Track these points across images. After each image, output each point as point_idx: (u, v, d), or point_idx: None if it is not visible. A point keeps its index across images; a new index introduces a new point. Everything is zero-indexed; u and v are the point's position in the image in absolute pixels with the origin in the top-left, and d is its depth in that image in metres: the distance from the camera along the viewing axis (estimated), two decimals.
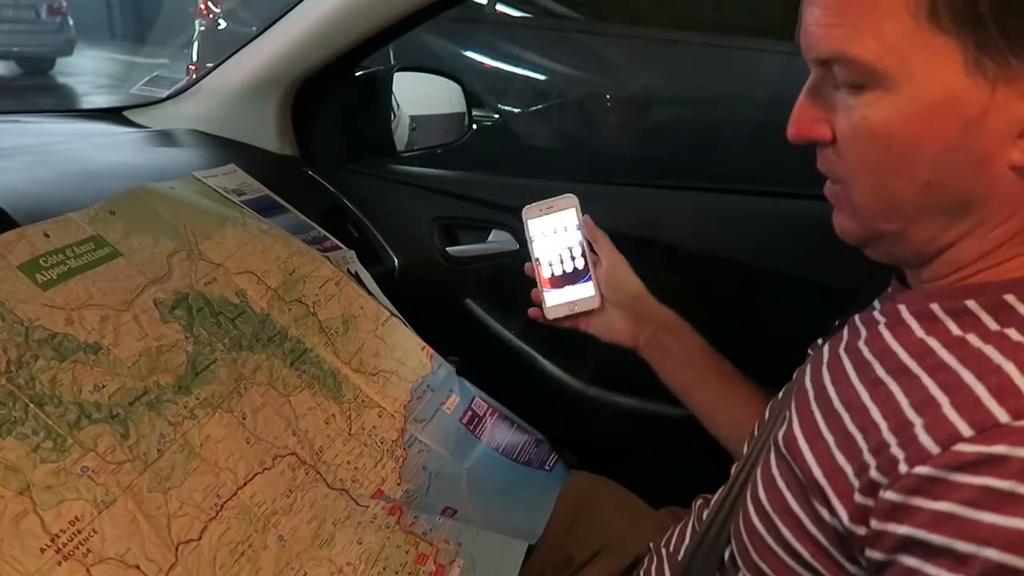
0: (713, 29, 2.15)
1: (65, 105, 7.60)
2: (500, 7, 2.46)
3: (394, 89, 1.24)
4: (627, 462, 0.99)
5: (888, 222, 0.49)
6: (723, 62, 2.03)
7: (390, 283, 0.99)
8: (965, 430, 0.40)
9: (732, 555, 0.57)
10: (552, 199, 0.81)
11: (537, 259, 0.80)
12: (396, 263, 1.07)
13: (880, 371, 0.48)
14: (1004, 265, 0.47)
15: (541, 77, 2.39)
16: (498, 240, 1.09)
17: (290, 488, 0.67)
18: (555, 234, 0.80)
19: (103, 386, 0.59)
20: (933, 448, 0.41)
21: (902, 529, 0.42)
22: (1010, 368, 0.41)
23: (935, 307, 0.48)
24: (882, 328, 0.52)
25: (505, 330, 1.11)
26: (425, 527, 0.72)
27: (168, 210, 0.77)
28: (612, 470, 0.91)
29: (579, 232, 0.80)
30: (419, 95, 1.51)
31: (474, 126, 1.46)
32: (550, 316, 0.79)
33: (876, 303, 0.57)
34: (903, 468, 0.42)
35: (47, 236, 0.65)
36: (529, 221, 0.81)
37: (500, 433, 0.87)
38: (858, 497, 0.44)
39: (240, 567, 0.60)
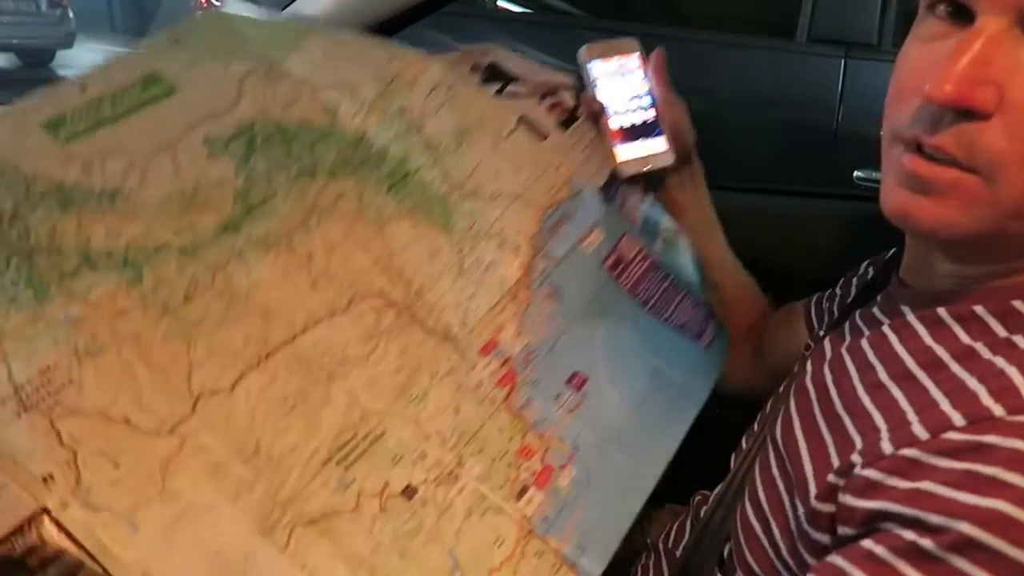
0: (717, 26, 2.14)
1: None
2: (501, 3, 2.45)
3: None
4: None
5: (1015, 222, 0.42)
6: (725, 59, 2.02)
7: None
8: (958, 420, 0.40)
9: (730, 552, 0.57)
10: (611, 40, 0.73)
11: (604, 108, 0.72)
12: None
13: (883, 375, 0.48)
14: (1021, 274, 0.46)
15: None
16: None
17: (370, 334, 0.56)
18: (620, 79, 0.73)
19: (118, 234, 0.52)
20: (923, 435, 0.41)
21: (873, 504, 0.40)
22: (1012, 372, 0.41)
23: (942, 311, 0.47)
24: (887, 330, 0.51)
25: None
26: (539, 414, 0.60)
27: (248, 28, 0.67)
28: None
29: (645, 80, 0.73)
30: None
31: None
32: (625, 172, 0.71)
33: (878, 299, 0.57)
34: (887, 449, 0.42)
35: (84, 89, 0.58)
36: (590, 63, 0.72)
37: (652, 284, 0.72)
38: (831, 477, 0.44)
39: (289, 423, 0.51)
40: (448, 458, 0.55)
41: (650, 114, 0.72)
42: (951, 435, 0.39)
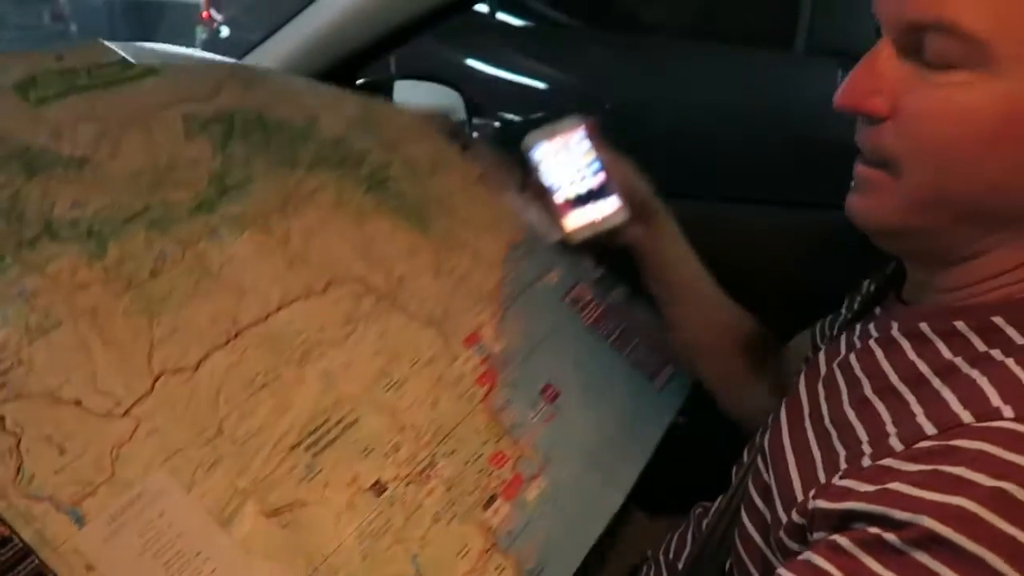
0: (717, 38, 2.16)
1: None
2: (501, 15, 2.47)
3: (395, 97, 1.24)
4: None
5: (932, 217, 0.46)
6: (729, 71, 2.03)
7: None
8: (930, 430, 0.41)
9: (732, 564, 0.57)
10: (555, 123, 0.77)
11: (548, 186, 0.75)
12: None
13: (868, 390, 0.49)
14: (1003, 287, 0.47)
15: (541, 85, 2.39)
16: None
17: (349, 317, 0.55)
18: (565, 154, 0.76)
19: (85, 203, 0.50)
20: (898, 446, 0.42)
21: (843, 505, 0.41)
22: (983, 382, 0.42)
23: (924, 327, 0.48)
24: (873, 344, 0.51)
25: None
26: (516, 419, 0.59)
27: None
28: None
29: (590, 149, 0.75)
30: (419, 102, 1.51)
31: (475, 134, 1.46)
32: (577, 238, 0.74)
33: (875, 314, 0.57)
34: (866, 463, 0.43)
35: (60, 59, 0.57)
36: (535, 147, 0.76)
37: (611, 322, 0.75)
38: (812, 495, 0.45)
39: (257, 402, 0.49)
40: (421, 455, 0.53)
41: (599, 178, 0.75)
42: (923, 443, 0.41)
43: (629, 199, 0.74)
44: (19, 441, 0.42)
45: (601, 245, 0.76)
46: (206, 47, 2.99)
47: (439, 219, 0.66)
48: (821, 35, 1.86)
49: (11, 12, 8.47)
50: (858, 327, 0.56)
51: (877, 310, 0.57)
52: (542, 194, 0.76)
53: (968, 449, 0.38)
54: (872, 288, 0.64)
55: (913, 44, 0.44)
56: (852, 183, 0.50)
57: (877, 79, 0.45)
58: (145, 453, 0.44)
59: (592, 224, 0.74)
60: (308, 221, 0.58)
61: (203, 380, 0.48)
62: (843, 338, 0.57)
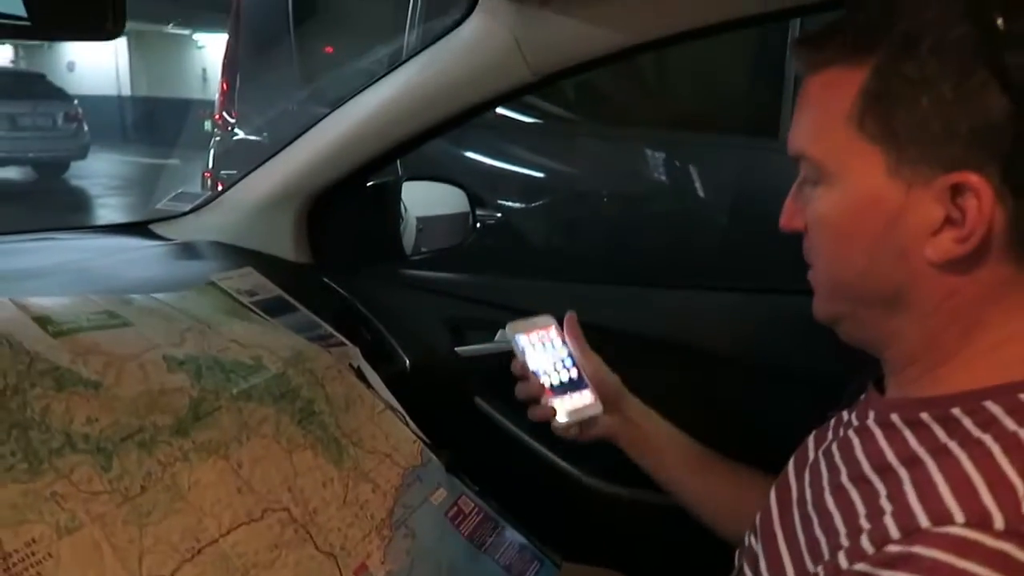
0: (708, 128, 2.25)
1: (80, 207, 7.80)
2: (499, 109, 2.57)
3: (403, 196, 1.31)
4: (628, 553, 1.00)
5: (841, 303, 0.57)
6: (722, 162, 2.12)
7: (402, 382, 1.03)
8: (894, 533, 0.46)
9: None
10: (531, 319, 0.85)
11: (534, 371, 0.83)
12: (407, 363, 1.11)
13: (844, 477, 0.53)
14: (956, 376, 0.52)
15: (539, 175, 2.49)
16: (505, 339, 1.14)
17: (276, 543, 0.66)
18: (543, 347, 0.84)
19: (96, 419, 0.61)
20: (870, 549, 0.46)
21: None
22: (939, 479, 0.46)
23: (895, 417, 0.53)
24: (851, 433, 0.56)
25: (513, 426, 1.14)
26: None
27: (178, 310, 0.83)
28: (613, 561, 0.92)
29: (564, 345, 0.84)
30: (424, 197, 1.58)
31: (478, 225, 1.53)
32: (560, 425, 0.81)
33: (858, 403, 0.61)
34: (843, 564, 0.48)
35: (62, 307, 0.70)
36: (516, 336, 0.84)
37: (485, 531, 0.87)
38: None
39: None
40: None
41: (574, 372, 0.82)
42: (890, 547, 0.45)
43: (601, 392, 0.82)
44: None
45: (574, 435, 0.83)
46: (219, 147, 3.12)
47: (349, 449, 0.80)
48: None
49: (27, 114, 8.81)
50: (844, 415, 0.60)
51: (862, 398, 0.61)
52: (527, 378, 0.83)
53: (924, 557, 0.43)
54: (857, 382, 0.68)
55: (803, 172, 0.56)
56: None
57: (796, 203, 0.58)
58: None
59: (573, 412, 0.81)
60: (255, 450, 0.70)
61: None
62: (831, 424, 0.61)
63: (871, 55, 0.50)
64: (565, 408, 0.81)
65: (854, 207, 0.52)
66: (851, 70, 0.51)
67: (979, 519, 0.43)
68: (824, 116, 0.53)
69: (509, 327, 0.84)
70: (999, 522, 0.42)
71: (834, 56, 0.52)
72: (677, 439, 0.83)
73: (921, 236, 0.50)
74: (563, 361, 0.83)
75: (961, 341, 0.52)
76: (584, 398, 0.81)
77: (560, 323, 0.85)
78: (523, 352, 0.83)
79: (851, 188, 0.52)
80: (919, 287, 0.52)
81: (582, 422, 0.81)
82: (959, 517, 0.43)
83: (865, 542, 0.47)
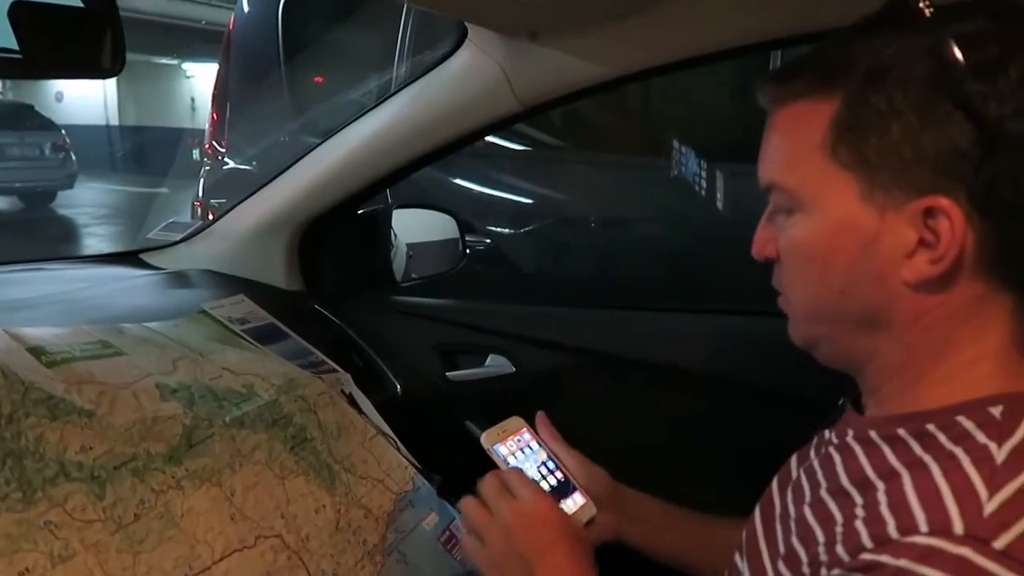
0: (703, 155, 2.28)
1: (68, 237, 7.77)
2: (488, 137, 2.60)
3: (393, 224, 1.33)
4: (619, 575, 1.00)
5: (818, 326, 0.58)
6: (711, 186, 2.15)
7: (393, 408, 1.03)
8: (867, 542, 0.48)
9: None
10: (501, 424, 0.80)
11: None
12: (399, 389, 1.12)
13: (823, 491, 0.55)
14: (931, 392, 0.53)
15: (528, 201, 2.51)
16: (495, 364, 1.15)
17: (269, 570, 0.67)
18: (523, 454, 0.78)
19: (90, 448, 0.61)
20: (844, 556, 0.49)
21: None
22: (910, 490, 0.48)
23: (873, 433, 0.54)
24: (832, 450, 0.58)
25: None
26: None
27: (171, 339, 0.84)
28: None
29: (542, 447, 0.79)
30: (414, 224, 1.60)
31: (467, 251, 1.54)
32: None
33: (837, 422, 0.63)
34: (823, 572, 0.50)
35: (55, 338, 0.70)
36: (493, 447, 0.78)
37: None
38: None
39: None
40: None
41: (559, 475, 0.77)
42: (863, 555, 0.47)
43: (591, 488, 0.77)
44: None
45: None
46: (209, 177, 3.13)
47: (342, 476, 0.80)
48: None
49: (14, 144, 8.80)
50: (825, 433, 0.62)
51: (842, 417, 0.63)
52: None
53: (888, 565, 0.45)
54: (841, 401, 0.70)
55: (774, 201, 0.58)
56: None
57: (767, 231, 0.59)
58: None
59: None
60: (248, 478, 0.71)
61: None
62: (813, 444, 0.62)
63: (839, 88, 0.52)
64: None
65: (830, 232, 0.54)
66: (819, 102, 0.53)
67: (941, 526, 0.45)
68: (796, 146, 0.55)
69: (485, 437, 0.78)
70: (959, 527, 0.44)
71: (802, 90, 0.54)
72: (661, 506, 0.82)
73: (897, 258, 0.51)
74: (545, 464, 0.78)
75: (936, 358, 0.53)
76: (576, 501, 0.75)
77: (531, 424, 0.81)
78: (505, 461, 0.76)
79: (826, 214, 0.53)
80: (895, 307, 0.53)
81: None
82: (923, 527, 0.45)
83: (841, 550, 0.49)
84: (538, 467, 0.77)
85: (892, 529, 0.47)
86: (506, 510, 0.66)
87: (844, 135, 0.52)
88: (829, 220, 0.53)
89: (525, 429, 0.80)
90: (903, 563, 0.44)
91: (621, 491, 0.81)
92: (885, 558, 0.45)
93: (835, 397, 0.73)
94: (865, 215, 0.52)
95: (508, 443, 0.78)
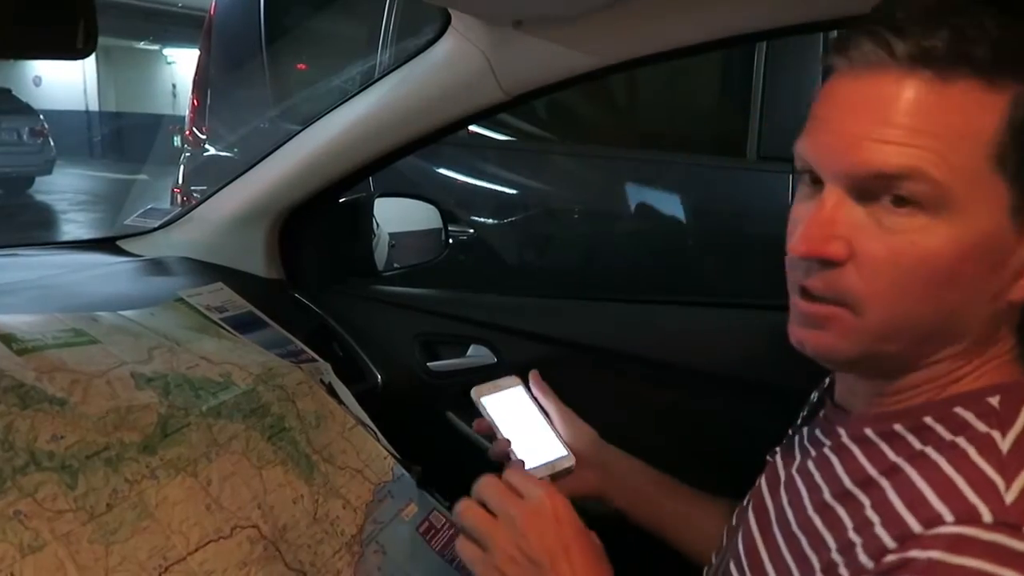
0: (677, 148, 2.29)
1: (45, 223, 7.67)
2: (472, 127, 2.59)
3: (375, 212, 1.32)
4: None
5: (894, 344, 0.50)
6: (685, 178, 2.15)
7: (374, 399, 1.02)
8: (889, 543, 0.46)
9: None
10: (496, 380, 0.84)
11: (507, 438, 0.80)
12: (379, 379, 1.11)
13: (828, 495, 0.53)
14: (925, 387, 0.53)
15: (511, 192, 2.50)
16: (477, 355, 1.15)
17: (245, 561, 0.66)
18: (510, 407, 0.82)
19: (61, 437, 0.60)
20: (868, 563, 0.47)
21: None
22: (923, 485, 0.47)
23: (869, 431, 0.53)
24: (828, 452, 0.56)
25: (484, 440, 1.15)
26: None
27: (147, 327, 0.82)
28: None
29: (533, 403, 0.83)
30: (397, 213, 1.59)
31: (450, 241, 1.53)
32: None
33: (819, 419, 0.62)
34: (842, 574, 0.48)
35: (27, 326, 0.69)
36: (483, 399, 0.82)
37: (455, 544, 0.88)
38: None
39: None
40: None
41: (543, 428, 0.81)
42: (888, 558, 0.46)
43: (574, 446, 0.80)
44: None
45: None
46: (189, 164, 3.09)
47: (320, 466, 0.80)
48: (770, 144, 2.00)
49: None
50: (806, 431, 0.61)
51: (822, 413, 0.62)
52: (493, 439, 0.81)
53: (920, 559, 0.44)
54: (815, 397, 0.69)
55: (871, 191, 0.48)
56: (798, 318, 0.53)
57: (831, 226, 0.48)
58: None
59: (544, 467, 0.79)
60: (224, 467, 0.70)
61: None
62: (796, 442, 0.62)
63: (1016, 83, 0.46)
64: (536, 464, 0.79)
65: (971, 244, 0.47)
66: (990, 93, 0.46)
67: (968, 515, 0.44)
68: (957, 137, 0.46)
69: (474, 391, 0.82)
70: (987, 515, 0.44)
71: (972, 72, 0.46)
72: (650, 473, 0.82)
73: (1016, 278, 0.49)
74: (532, 418, 0.82)
75: (964, 360, 0.52)
76: (554, 451, 0.79)
77: (525, 382, 0.83)
78: (487, 412, 0.81)
79: (974, 223, 0.47)
80: (982, 322, 0.50)
81: (554, 475, 0.79)
82: (948, 516, 0.44)
83: (863, 556, 0.47)
84: (522, 420, 0.80)
85: (914, 524, 0.46)
86: (515, 512, 0.61)
87: (1018, 139, 0.46)
88: (974, 230, 0.47)
89: (520, 386, 0.83)
90: (934, 554, 0.43)
91: (608, 451, 0.81)
92: (914, 553, 0.44)
93: (812, 389, 0.73)
94: (1008, 231, 0.47)
95: (498, 396, 0.82)
